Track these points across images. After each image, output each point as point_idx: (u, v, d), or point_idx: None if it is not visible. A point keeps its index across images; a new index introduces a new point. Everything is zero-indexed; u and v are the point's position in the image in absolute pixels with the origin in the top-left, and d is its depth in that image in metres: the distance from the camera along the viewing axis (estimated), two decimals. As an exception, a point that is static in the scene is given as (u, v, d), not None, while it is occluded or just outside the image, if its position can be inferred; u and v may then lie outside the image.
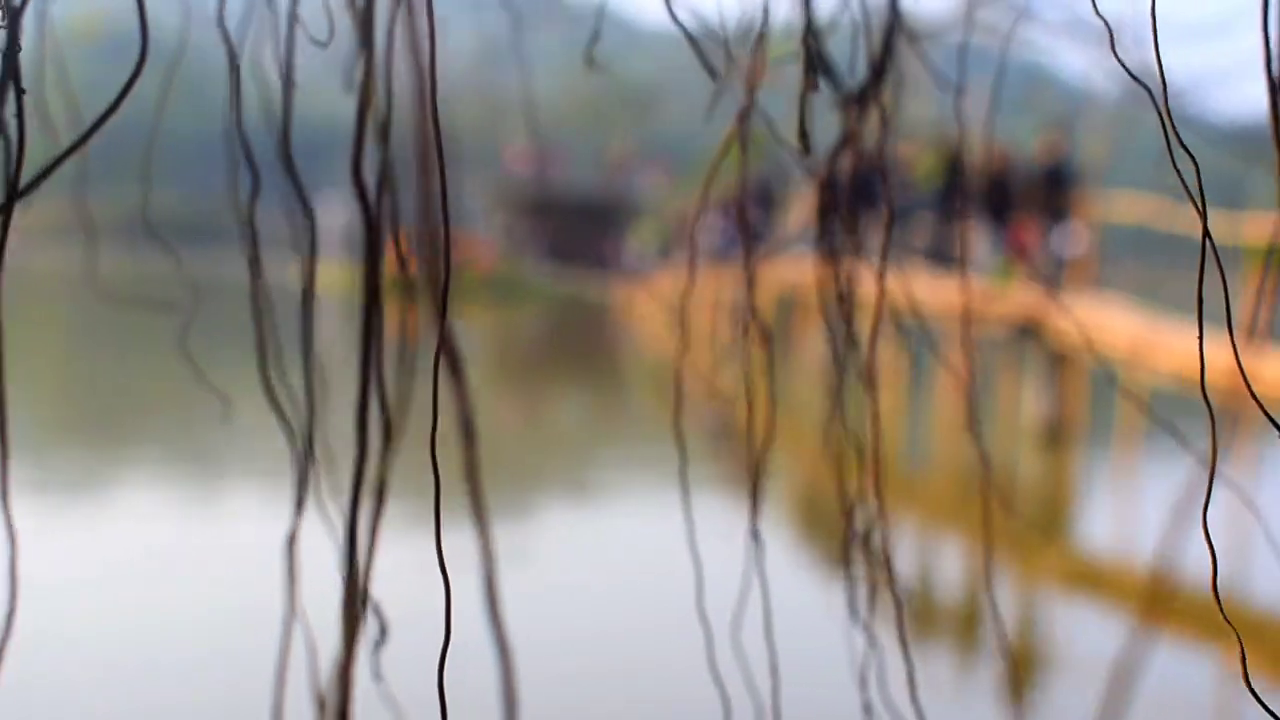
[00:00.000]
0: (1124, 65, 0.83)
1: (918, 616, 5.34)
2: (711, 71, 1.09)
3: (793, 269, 15.16)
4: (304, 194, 1.12)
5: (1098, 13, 0.87)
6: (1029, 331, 10.62)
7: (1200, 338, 0.85)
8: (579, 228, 34.91)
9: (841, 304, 1.15)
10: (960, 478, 9.21)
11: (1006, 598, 5.97)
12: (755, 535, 1.14)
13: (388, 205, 1.04)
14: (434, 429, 0.82)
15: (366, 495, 1.07)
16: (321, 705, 1.01)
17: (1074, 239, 11.59)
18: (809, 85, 1.08)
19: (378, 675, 1.07)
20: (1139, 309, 10.04)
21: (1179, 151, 0.80)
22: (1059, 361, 10.77)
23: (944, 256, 11.78)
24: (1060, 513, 8.72)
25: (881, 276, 1.09)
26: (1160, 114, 0.80)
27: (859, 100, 1.13)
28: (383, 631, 1.07)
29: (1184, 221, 11.40)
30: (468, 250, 33.40)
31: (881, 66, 1.10)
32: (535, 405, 13.29)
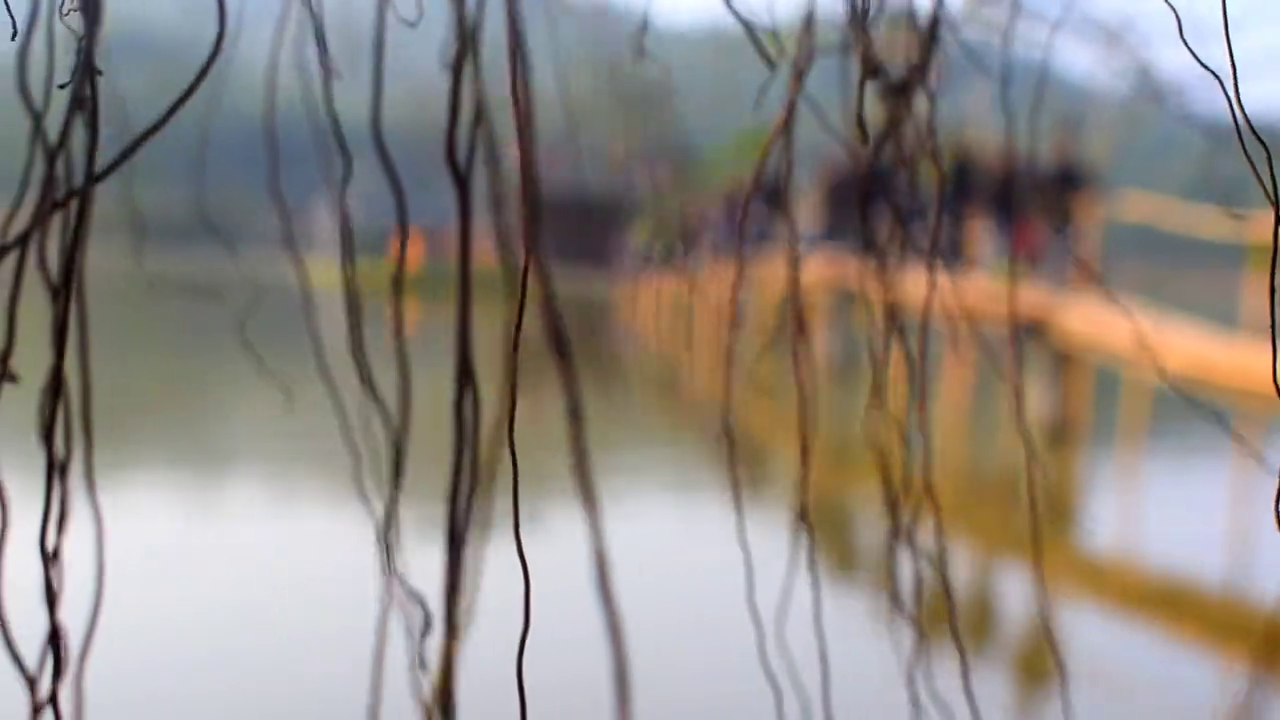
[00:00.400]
0: (1194, 54, 0.80)
1: (934, 616, 5.29)
2: (768, 59, 1.08)
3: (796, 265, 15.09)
4: (398, 180, 1.10)
5: (1169, 4, 0.84)
6: (1033, 331, 10.60)
7: (1274, 334, 0.82)
8: (582, 226, 34.89)
9: (885, 300, 1.14)
10: (964, 478, 9.18)
11: (1019, 595, 5.95)
12: (804, 520, 1.13)
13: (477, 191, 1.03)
14: (512, 417, 0.79)
15: (464, 485, 1.05)
16: (423, 703, 1.00)
17: (1081, 239, 11.57)
18: (866, 73, 1.07)
19: (423, 667, 1.07)
20: (1144, 308, 10.02)
21: (1242, 140, 0.77)
22: (1063, 361, 10.75)
23: (950, 256, 11.76)
24: (1067, 511, 8.70)
25: (932, 272, 1.08)
26: (1230, 101, 0.77)
27: (903, 89, 1.11)
28: (427, 624, 1.08)
29: (1191, 221, 11.38)
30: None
31: (927, 54, 1.08)
32: (534, 403, 13.22)
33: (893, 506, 1.12)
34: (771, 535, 6.90)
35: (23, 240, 1.02)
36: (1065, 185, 11.57)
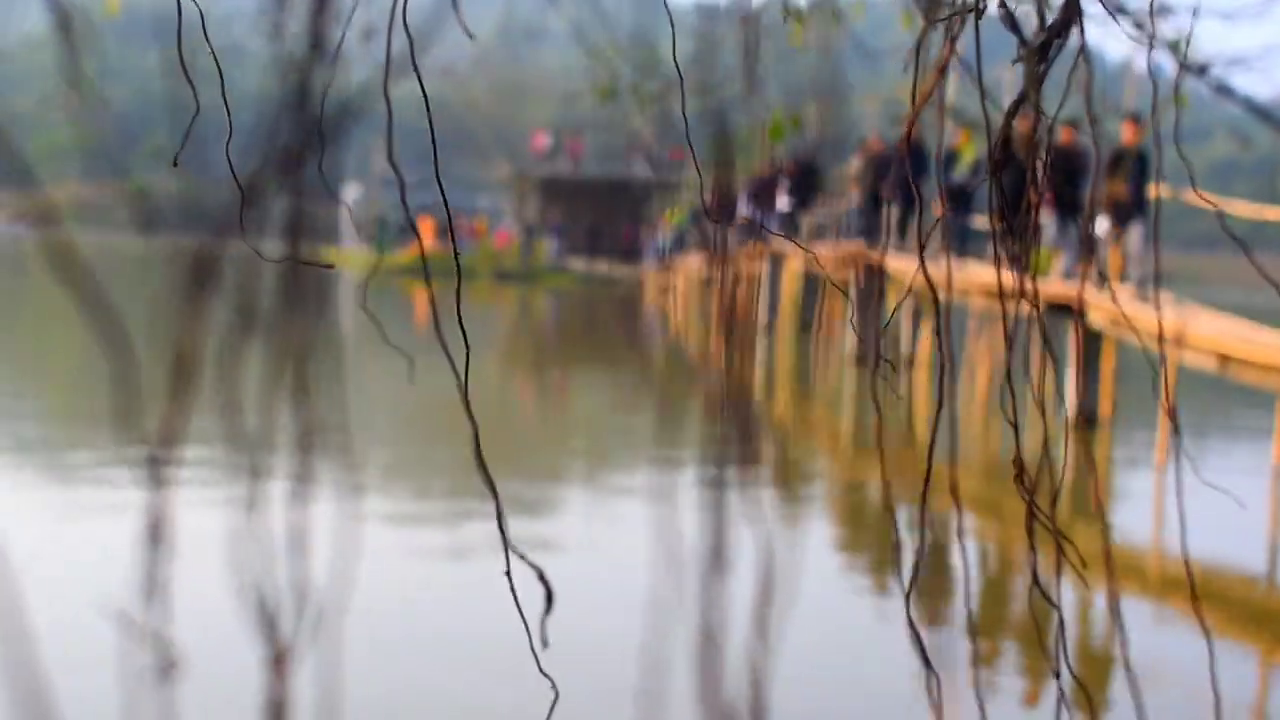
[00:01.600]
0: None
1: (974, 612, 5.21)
2: (927, 20, 1.02)
3: (823, 248, 14.99)
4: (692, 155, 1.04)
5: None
6: (1068, 311, 10.50)
7: None
8: (602, 210, 34.82)
9: (1023, 284, 1.09)
10: (994, 463, 9.08)
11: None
12: (957, 518, 1.07)
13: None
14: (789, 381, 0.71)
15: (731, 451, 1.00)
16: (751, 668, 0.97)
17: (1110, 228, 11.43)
18: (1049, 39, 1.00)
19: (545, 643, 1.04)
20: (1178, 296, 9.91)
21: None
22: (1095, 346, 10.64)
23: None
24: (1101, 499, 8.58)
25: (1088, 248, 1.02)
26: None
27: (1041, 52, 1.04)
28: (550, 600, 1.04)
29: (1227, 206, 11.21)
30: (484, 231, 33.29)
31: (1069, 14, 1.00)
32: (538, 391, 13.16)
33: (1030, 491, 1.09)
34: (790, 529, 6.80)
35: (245, 194, 0.94)
36: (1139, 174, 11.38)
